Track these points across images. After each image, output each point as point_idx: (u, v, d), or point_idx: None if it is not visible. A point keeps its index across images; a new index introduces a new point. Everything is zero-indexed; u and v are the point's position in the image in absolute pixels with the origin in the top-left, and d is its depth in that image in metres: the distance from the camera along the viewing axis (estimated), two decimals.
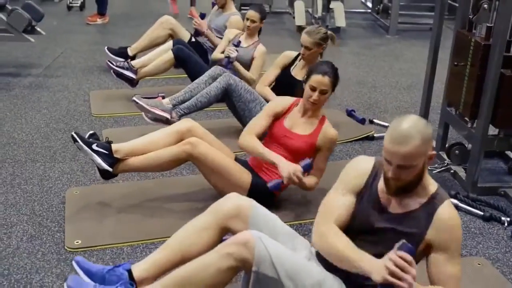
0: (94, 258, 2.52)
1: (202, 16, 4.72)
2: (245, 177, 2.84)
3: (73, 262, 2.10)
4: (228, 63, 4.05)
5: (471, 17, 3.27)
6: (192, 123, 2.95)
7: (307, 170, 2.75)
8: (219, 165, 2.77)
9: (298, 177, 2.68)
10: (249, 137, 2.87)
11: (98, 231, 2.71)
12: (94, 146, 2.77)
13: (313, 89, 2.79)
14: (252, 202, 2.13)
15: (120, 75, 4.38)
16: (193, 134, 2.86)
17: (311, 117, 2.88)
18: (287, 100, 2.99)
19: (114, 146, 2.80)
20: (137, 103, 3.58)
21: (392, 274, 1.69)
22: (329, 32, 3.61)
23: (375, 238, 1.92)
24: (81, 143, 2.76)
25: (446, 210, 1.88)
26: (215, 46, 4.62)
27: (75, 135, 2.77)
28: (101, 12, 7.03)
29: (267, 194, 2.84)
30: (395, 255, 1.71)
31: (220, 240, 2.08)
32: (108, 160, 2.78)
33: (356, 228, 1.96)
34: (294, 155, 2.83)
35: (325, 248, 1.92)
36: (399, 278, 1.69)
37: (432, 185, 1.93)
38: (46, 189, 3.10)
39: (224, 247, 1.91)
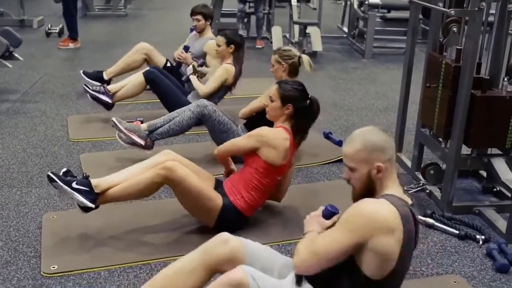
0: (70, 283, 2.49)
1: (186, 49, 4.70)
2: (217, 201, 2.84)
3: None
4: (187, 80, 4.39)
5: (441, 40, 3.37)
6: (171, 155, 2.94)
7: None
8: (193, 188, 2.76)
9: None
10: None
11: (75, 256, 2.69)
12: (74, 185, 2.71)
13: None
14: (242, 242, 2.09)
15: (96, 99, 4.42)
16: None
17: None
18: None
19: (93, 182, 2.76)
20: (115, 124, 3.58)
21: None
22: (302, 55, 3.71)
23: None
24: (60, 183, 2.69)
25: (364, 200, 1.91)
26: None
27: (52, 175, 2.70)
28: (73, 37, 7.08)
29: (236, 217, 2.88)
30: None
31: (209, 281, 2.04)
32: (90, 196, 2.73)
33: None
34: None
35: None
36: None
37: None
38: (22, 215, 3.07)
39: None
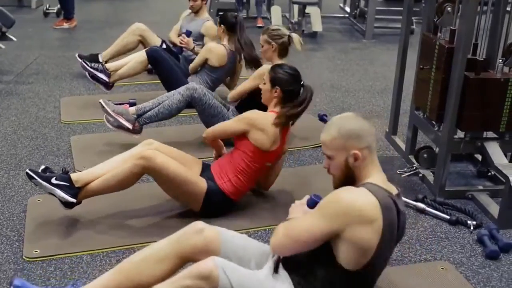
0: (52, 268, 2.47)
1: (188, 33, 4.57)
2: (200, 185, 2.80)
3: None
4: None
5: (435, 20, 3.28)
6: (152, 145, 2.87)
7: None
8: (173, 175, 2.71)
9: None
10: None
11: (58, 240, 2.66)
12: (53, 180, 2.67)
13: None
14: (217, 232, 2.03)
15: (94, 77, 4.40)
16: None
17: None
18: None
19: (73, 176, 2.72)
20: (103, 106, 3.52)
21: None
22: (292, 34, 3.63)
23: None
24: (38, 179, 2.65)
25: (345, 188, 1.88)
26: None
27: (30, 172, 2.66)
28: (68, 17, 7.03)
29: (222, 201, 2.84)
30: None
31: (179, 270, 1.98)
32: (70, 191, 2.68)
33: None
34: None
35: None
36: None
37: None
38: (8, 198, 3.05)
39: (183, 279, 1.80)
